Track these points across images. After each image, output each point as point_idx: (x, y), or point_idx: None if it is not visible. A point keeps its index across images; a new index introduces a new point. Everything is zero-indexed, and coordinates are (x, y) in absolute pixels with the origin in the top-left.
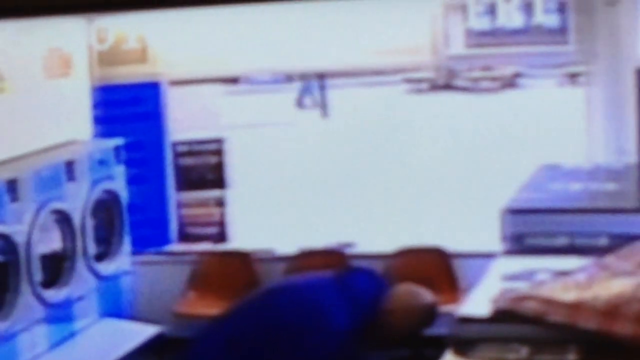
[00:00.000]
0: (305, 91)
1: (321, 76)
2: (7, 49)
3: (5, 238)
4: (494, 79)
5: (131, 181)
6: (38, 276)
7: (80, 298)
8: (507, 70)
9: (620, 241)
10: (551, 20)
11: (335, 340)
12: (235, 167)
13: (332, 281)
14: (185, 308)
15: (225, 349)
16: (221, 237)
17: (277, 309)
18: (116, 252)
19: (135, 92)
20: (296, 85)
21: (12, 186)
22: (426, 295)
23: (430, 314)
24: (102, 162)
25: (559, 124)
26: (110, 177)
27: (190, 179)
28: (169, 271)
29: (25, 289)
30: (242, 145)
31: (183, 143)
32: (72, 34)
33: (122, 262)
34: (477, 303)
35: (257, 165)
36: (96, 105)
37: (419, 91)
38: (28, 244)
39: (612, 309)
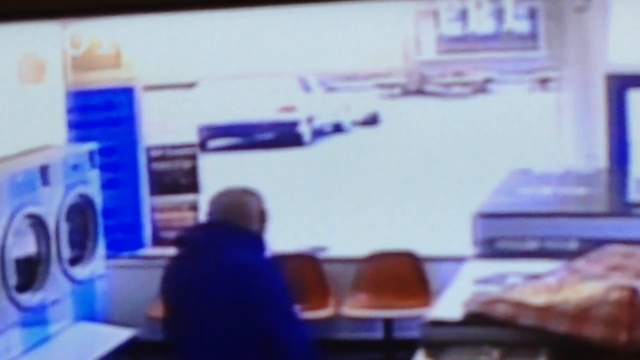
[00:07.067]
0: None
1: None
2: None
3: None
4: (465, 84)
5: (105, 186)
6: (12, 280)
7: (54, 302)
8: (478, 76)
9: (589, 245)
10: (522, 26)
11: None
12: (208, 171)
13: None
14: (159, 312)
15: None
16: None
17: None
18: (90, 256)
19: (109, 97)
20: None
21: None
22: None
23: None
24: (76, 167)
25: (530, 129)
26: (84, 182)
27: (164, 184)
28: (143, 275)
29: None
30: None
31: (157, 148)
32: (46, 39)
33: (96, 266)
34: (448, 306)
35: (231, 169)
36: (70, 110)
37: (391, 96)
38: (2, 248)
39: (582, 312)
